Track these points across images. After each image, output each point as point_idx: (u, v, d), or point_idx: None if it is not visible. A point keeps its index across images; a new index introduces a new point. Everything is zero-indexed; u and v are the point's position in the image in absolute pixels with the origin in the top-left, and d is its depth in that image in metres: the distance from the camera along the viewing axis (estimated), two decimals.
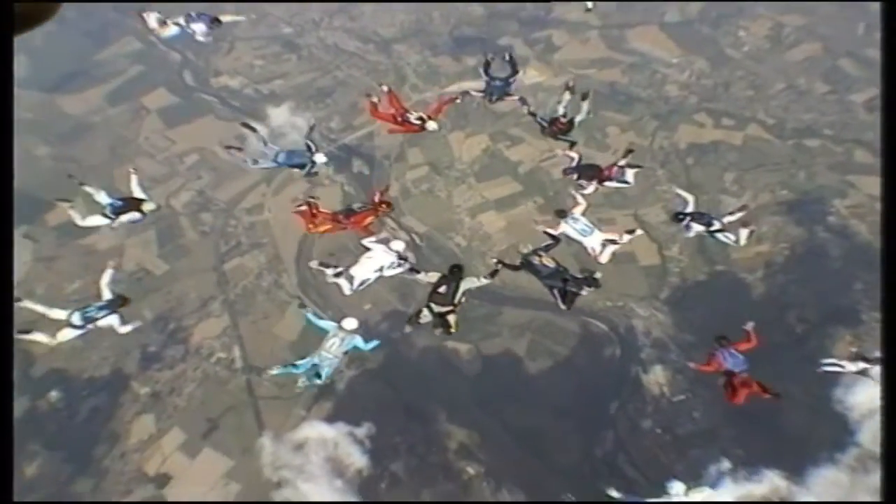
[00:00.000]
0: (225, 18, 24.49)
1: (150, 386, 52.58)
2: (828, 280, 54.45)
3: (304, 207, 21.23)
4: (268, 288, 57.86)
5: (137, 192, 20.80)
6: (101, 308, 19.23)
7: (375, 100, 23.62)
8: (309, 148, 22.45)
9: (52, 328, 19.59)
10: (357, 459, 47.39)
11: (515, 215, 62.11)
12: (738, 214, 22.56)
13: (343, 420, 48.65)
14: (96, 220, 20.51)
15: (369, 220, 21.19)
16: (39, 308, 19.33)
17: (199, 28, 23.68)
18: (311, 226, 21.30)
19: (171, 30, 23.83)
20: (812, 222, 58.90)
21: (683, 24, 78.26)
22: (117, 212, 20.32)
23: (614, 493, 19.51)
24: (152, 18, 23.87)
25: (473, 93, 25.64)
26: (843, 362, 21.78)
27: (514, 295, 53.12)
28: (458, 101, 26.82)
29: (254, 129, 23.41)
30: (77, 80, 73.43)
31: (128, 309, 19.85)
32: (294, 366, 18.72)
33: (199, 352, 53.50)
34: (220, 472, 49.06)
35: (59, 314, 19.03)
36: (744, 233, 22.39)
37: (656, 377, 51.35)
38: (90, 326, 19.27)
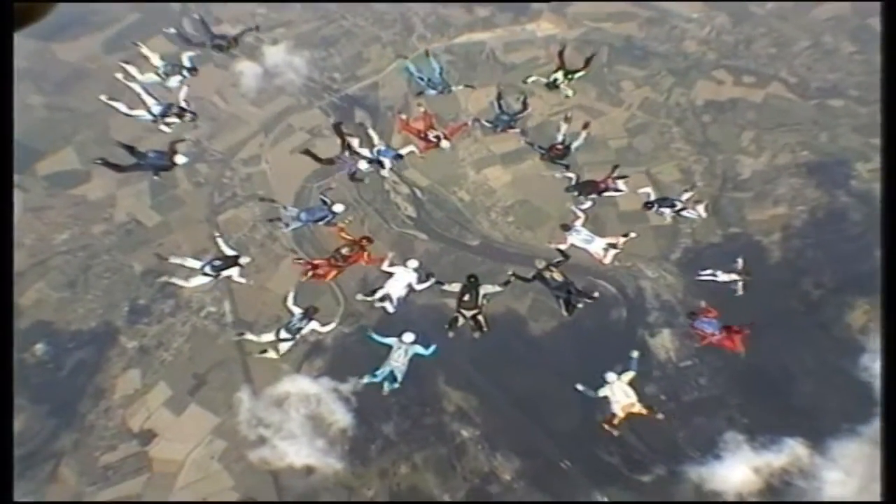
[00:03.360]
0: (405, 151, 25.24)
1: (137, 340, 51.17)
2: (847, 245, 52.03)
3: (308, 269, 22.59)
4: (262, 241, 56.07)
5: (228, 252, 22.74)
6: (300, 319, 21.67)
7: (405, 116, 26.28)
8: (325, 203, 23.84)
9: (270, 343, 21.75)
10: (341, 418, 46.02)
11: (522, 170, 60.04)
12: (690, 193, 25.82)
13: (328, 375, 47.33)
14: (200, 280, 22.32)
15: (365, 255, 22.71)
16: (253, 337, 22.35)
17: (386, 162, 24.59)
18: (322, 279, 23.00)
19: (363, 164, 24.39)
20: (833, 185, 56.43)
21: None
22: (217, 269, 22.08)
23: (580, 387, 21.03)
24: (356, 142, 24.73)
25: (484, 122, 27.46)
26: (717, 272, 26.43)
27: (517, 252, 51.20)
28: (469, 126, 32.02)
29: (273, 201, 28.41)
30: (73, 27, 70.84)
31: (321, 314, 22.24)
32: (374, 375, 20.58)
33: (188, 305, 51.93)
34: (205, 428, 47.77)
35: (268, 336, 21.60)
36: (700, 207, 25.66)
37: (663, 341, 49.51)
38: (298, 336, 21.79)
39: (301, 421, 45.71)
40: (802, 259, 52.71)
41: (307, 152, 24.60)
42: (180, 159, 22.02)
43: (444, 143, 24.69)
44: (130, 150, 21.65)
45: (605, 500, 43.75)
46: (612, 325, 50.98)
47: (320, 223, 24.03)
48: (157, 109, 22.87)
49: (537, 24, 72.12)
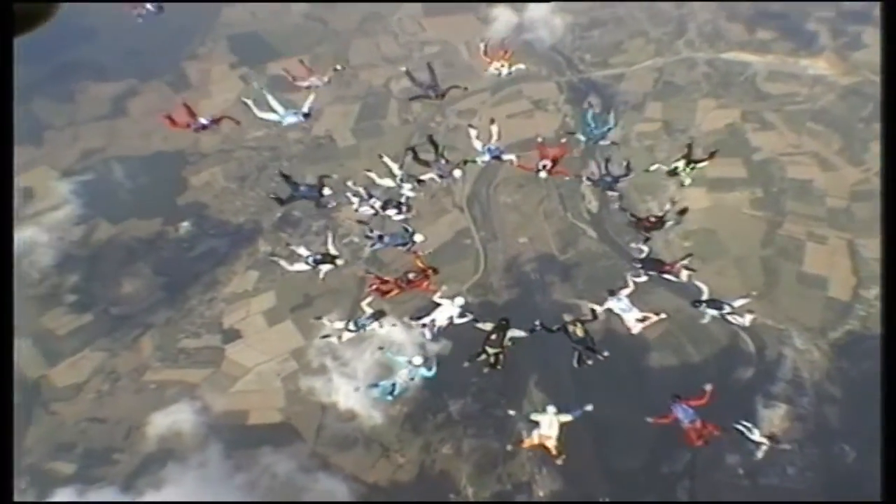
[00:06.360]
0: (506, 157, 25.92)
1: (272, 246, 54.00)
2: None
3: (377, 284, 24.06)
4: (436, 190, 56.84)
5: (332, 250, 24.32)
6: (368, 318, 23.38)
7: (541, 139, 25.59)
8: (407, 231, 25.01)
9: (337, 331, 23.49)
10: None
11: (725, 200, 57.60)
12: (745, 300, 23.74)
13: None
14: (300, 266, 24.30)
15: (426, 283, 23.89)
16: (327, 322, 23.79)
17: (486, 157, 25.49)
18: (385, 295, 24.09)
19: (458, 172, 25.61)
20: None
21: None
22: (317, 262, 24.00)
23: (511, 412, 24.08)
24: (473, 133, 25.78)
25: (585, 179, 28.26)
26: (755, 431, 25.37)
27: (671, 280, 49.62)
28: (568, 178, 32.08)
29: (365, 223, 26.55)
30: None
31: (386, 318, 23.55)
32: (375, 385, 22.65)
33: (336, 229, 52.46)
34: (287, 346, 49.92)
35: (339, 324, 23.46)
36: (748, 317, 23.66)
37: (774, 416, 46.21)
38: (362, 331, 23.60)
39: (370, 364, 45.86)
40: None
41: (413, 150, 25.31)
42: (326, 191, 23.83)
43: (542, 174, 24.89)
44: (287, 179, 24.09)
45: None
46: (732, 382, 48.05)
47: (400, 248, 25.29)
48: (378, 204, 24.90)
49: (813, 60, 68.03)
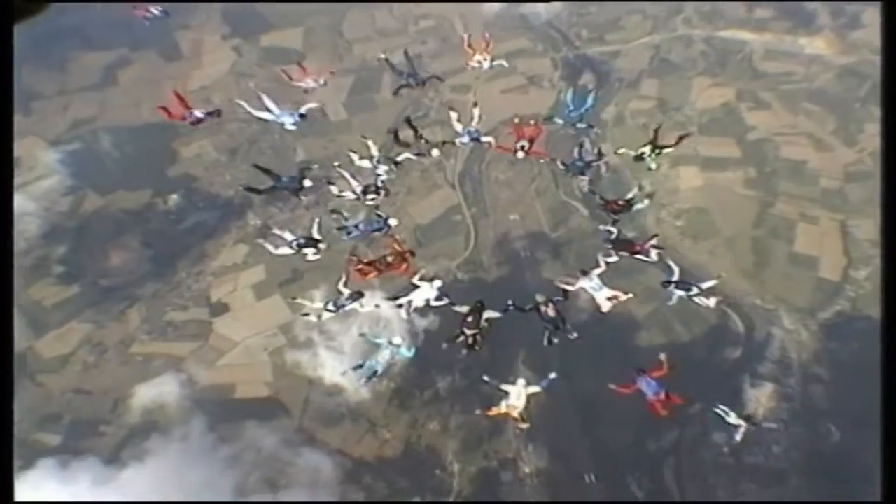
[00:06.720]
0: (485, 139, 27.17)
1: (262, 219, 54.04)
2: None
3: (357, 266, 24.24)
4: (428, 165, 56.60)
5: (316, 235, 24.87)
6: (346, 299, 23.84)
7: (517, 120, 26.46)
8: (380, 217, 25.58)
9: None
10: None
11: (717, 179, 57.34)
12: (712, 283, 24.19)
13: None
14: (285, 251, 24.48)
15: (404, 266, 24.31)
16: (307, 303, 24.26)
17: (465, 139, 26.55)
18: (364, 277, 24.38)
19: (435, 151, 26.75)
20: None
21: None
22: (301, 246, 24.47)
23: (486, 378, 22.14)
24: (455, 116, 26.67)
25: (559, 164, 28.04)
26: (731, 415, 27.59)
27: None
28: (544, 160, 33.08)
29: (340, 213, 27.49)
30: None
31: (364, 298, 23.85)
32: (360, 366, 22.85)
33: (326, 203, 52.02)
34: (275, 321, 49.93)
35: (318, 305, 24.05)
36: (712, 300, 23.87)
37: (760, 395, 46.24)
38: (341, 311, 24.08)
39: (356, 340, 44.87)
40: None
41: (394, 132, 26.42)
42: (308, 182, 24.57)
43: (520, 154, 25.78)
44: (267, 172, 24.89)
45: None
46: (720, 361, 48.44)
47: (376, 233, 25.73)
48: (358, 189, 25.75)
49: (811, 39, 67.55)
